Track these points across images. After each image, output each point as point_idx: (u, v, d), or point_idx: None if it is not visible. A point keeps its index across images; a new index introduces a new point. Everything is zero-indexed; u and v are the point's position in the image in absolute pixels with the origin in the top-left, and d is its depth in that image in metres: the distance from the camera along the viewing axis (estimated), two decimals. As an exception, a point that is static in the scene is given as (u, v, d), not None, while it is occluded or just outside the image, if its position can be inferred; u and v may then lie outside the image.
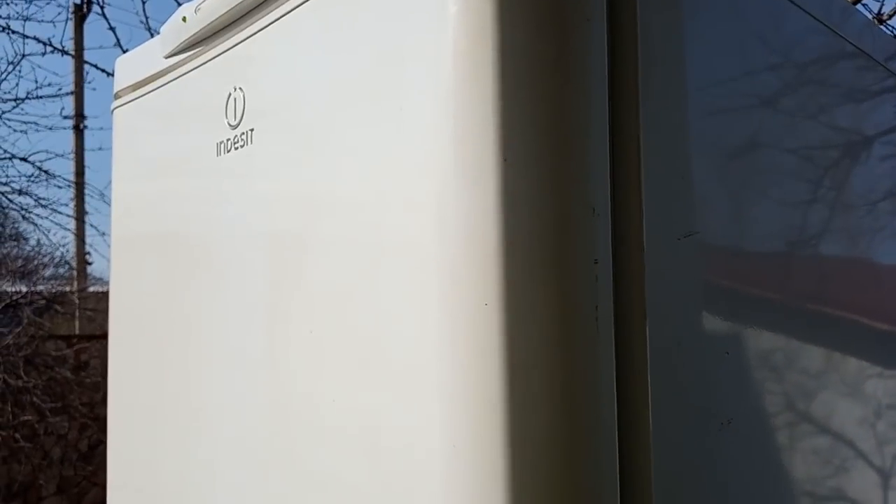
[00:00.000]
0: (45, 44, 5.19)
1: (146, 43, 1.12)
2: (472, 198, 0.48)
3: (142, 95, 1.09)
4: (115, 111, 1.18)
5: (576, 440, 0.46)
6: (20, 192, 5.55)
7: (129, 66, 1.14)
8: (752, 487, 0.69)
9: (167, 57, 1.03)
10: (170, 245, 0.97)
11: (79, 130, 6.09)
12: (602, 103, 0.52)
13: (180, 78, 1.00)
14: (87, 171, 6.13)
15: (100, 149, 6.50)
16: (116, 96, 1.18)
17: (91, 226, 6.12)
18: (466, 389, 0.47)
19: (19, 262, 5.93)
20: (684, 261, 0.57)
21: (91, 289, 6.25)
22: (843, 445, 1.21)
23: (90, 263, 6.21)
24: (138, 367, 1.00)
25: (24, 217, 5.72)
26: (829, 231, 0.98)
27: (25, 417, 5.04)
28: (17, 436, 5.01)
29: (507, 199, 0.46)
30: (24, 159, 5.45)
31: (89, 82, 6.11)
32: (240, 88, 0.86)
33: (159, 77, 1.05)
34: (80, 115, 6.09)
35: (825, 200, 0.99)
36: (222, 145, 0.87)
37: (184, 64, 1.00)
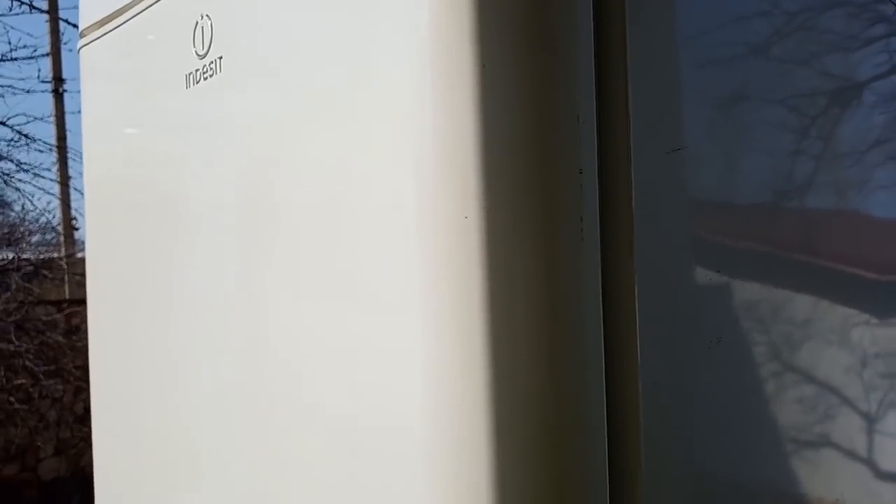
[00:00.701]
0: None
1: (111, -25, 1.07)
2: (449, 106, 0.45)
3: (108, 32, 1.04)
4: (81, 51, 1.13)
5: (560, 355, 0.44)
6: (1, 158, 5.44)
7: (95, 1, 1.08)
8: (739, 418, 0.68)
9: (133, -11, 0.98)
10: (143, 191, 0.94)
11: (58, 94, 5.93)
12: (587, 6, 0.49)
13: (147, 10, 0.94)
14: (68, 134, 6.00)
15: (80, 111, 6.33)
16: (82, 35, 1.13)
17: (76, 190, 6.02)
18: (447, 308, 0.45)
19: (5, 230, 5.86)
20: (672, 176, 0.55)
21: (79, 254, 6.20)
22: (828, 392, 1.21)
23: (77, 229, 6.15)
24: (117, 327, 0.98)
25: (6, 183, 5.63)
26: (818, 181, 0.97)
27: (19, 381, 5.05)
28: (12, 399, 5.03)
29: (486, 105, 0.44)
30: (2, 123, 5.33)
31: (65, 42, 5.93)
32: (207, 16, 0.82)
33: (126, 11, 1.00)
34: (58, 79, 5.92)
35: (814, 151, 0.97)
36: (191, 77, 0.83)
37: (150, -5, 0.94)
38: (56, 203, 6.12)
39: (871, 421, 1.38)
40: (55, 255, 6.03)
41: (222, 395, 0.77)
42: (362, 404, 0.54)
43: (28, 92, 6.44)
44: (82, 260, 5.91)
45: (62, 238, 6.28)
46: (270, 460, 0.66)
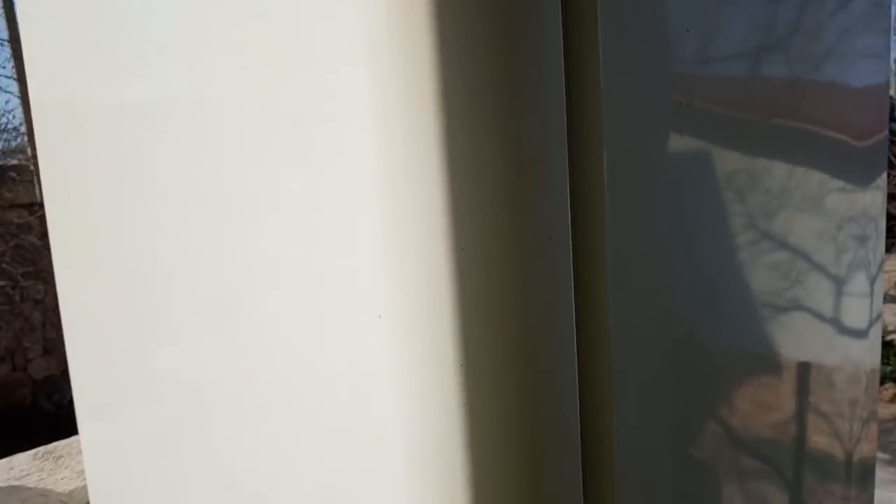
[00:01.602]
0: None
1: None
2: None
3: None
4: None
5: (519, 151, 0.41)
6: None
7: None
8: (714, 284, 0.66)
9: None
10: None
11: (4, -20, 5.46)
12: None
13: None
14: (21, 24, 5.58)
15: (32, -2, 5.86)
16: None
17: (36, 87, 5.69)
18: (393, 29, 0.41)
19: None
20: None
21: (47, 156, 5.96)
22: (800, 258, 1.21)
23: (41, 128, 5.88)
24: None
25: (-44, 80, 5.30)
26: (798, 40, 0.90)
27: (-1, 284, 5.03)
28: (-6, 302, 5.04)
29: None
30: (-55, 13, 4.93)
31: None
32: None
33: None
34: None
35: (796, 4, 0.89)
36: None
37: None
38: (15, 102, 5.82)
39: (839, 283, 1.39)
40: (20, 156, 5.82)
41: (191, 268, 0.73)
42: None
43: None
44: (50, 161, 5.69)
45: (26, 139, 6.02)
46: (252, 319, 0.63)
